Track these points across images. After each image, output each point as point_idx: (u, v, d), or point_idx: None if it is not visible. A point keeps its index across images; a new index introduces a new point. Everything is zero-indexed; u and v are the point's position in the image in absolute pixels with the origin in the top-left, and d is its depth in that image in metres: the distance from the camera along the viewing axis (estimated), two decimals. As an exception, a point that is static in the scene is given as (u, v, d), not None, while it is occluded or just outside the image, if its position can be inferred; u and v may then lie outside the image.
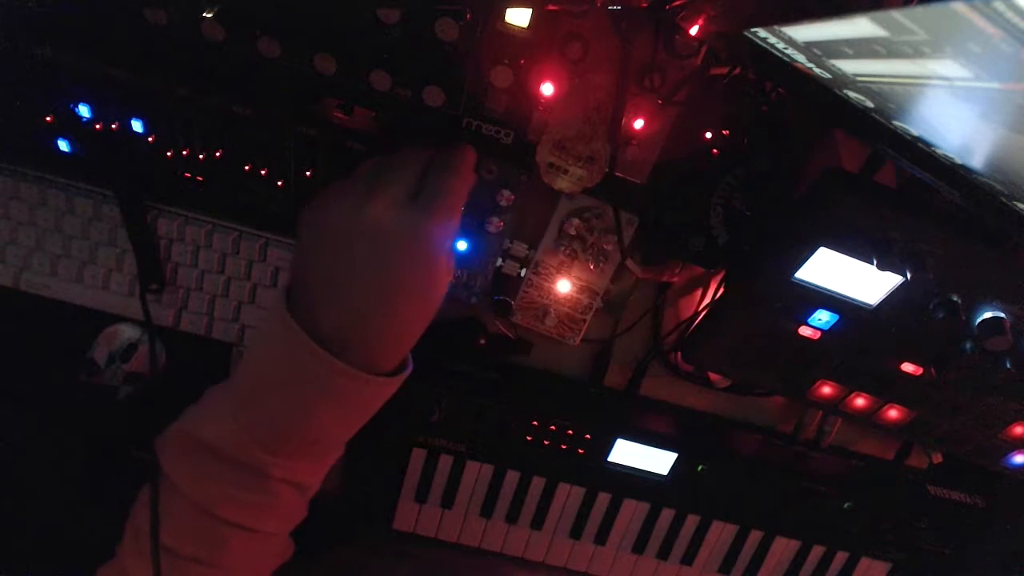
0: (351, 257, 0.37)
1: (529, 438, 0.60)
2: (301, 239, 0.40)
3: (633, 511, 0.64)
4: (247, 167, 0.49)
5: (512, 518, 0.64)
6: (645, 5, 0.41)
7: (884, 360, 0.50)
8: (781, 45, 0.31)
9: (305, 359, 0.37)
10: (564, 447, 0.60)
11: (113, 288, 0.54)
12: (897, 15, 0.20)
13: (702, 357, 0.55)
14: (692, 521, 0.65)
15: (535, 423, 0.59)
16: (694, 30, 0.41)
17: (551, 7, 0.40)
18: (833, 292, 0.46)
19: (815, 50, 0.29)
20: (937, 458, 0.66)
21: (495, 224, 0.51)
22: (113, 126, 0.48)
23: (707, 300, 0.56)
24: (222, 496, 0.39)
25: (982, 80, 0.21)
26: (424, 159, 0.40)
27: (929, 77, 0.23)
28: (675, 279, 0.56)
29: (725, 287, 0.54)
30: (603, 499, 0.63)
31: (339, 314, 0.37)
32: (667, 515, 0.64)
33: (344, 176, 0.40)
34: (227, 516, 0.40)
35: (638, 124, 0.45)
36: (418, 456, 0.61)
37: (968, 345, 0.46)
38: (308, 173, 0.49)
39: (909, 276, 0.42)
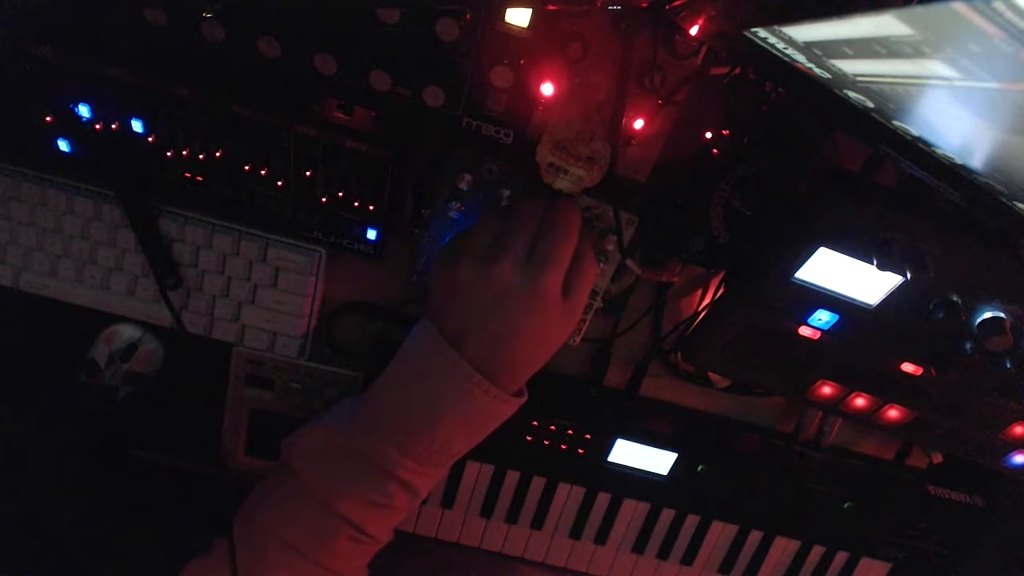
0: (478, 308, 0.43)
1: (529, 438, 0.60)
2: (434, 288, 0.47)
3: (633, 511, 0.64)
4: (247, 167, 0.49)
5: (512, 518, 0.64)
6: (645, 5, 0.41)
7: (884, 360, 0.50)
8: (781, 45, 0.31)
9: (450, 372, 0.43)
10: (564, 447, 0.60)
11: (113, 288, 0.54)
12: (897, 15, 0.20)
13: (702, 357, 0.55)
14: (692, 521, 0.65)
15: (535, 423, 0.59)
16: (694, 30, 0.41)
17: (551, 7, 0.40)
18: (833, 292, 0.46)
19: (815, 50, 0.29)
20: (937, 458, 0.65)
21: (495, 224, 0.51)
22: (113, 126, 0.48)
23: (707, 300, 0.56)
24: (344, 491, 0.44)
25: (982, 80, 0.21)
26: (537, 218, 0.45)
27: (929, 77, 0.23)
28: (675, 279, 0.56)
29: (725, 287, 0.54)
30: (603, 499, 0.63)
31: (467, 348, 0.44)
32: (667, 515, 0.64)
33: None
34: (344, 512, 0.44)
35: (638, 124, 0.45)
36: (418, 456, 0.61)
37: (968, 345, 0.46)
38: (308, 173, 0.49)
39: (909, 276, 0.42)
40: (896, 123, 0.34)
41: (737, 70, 0.44)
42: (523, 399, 0.47)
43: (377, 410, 0.45)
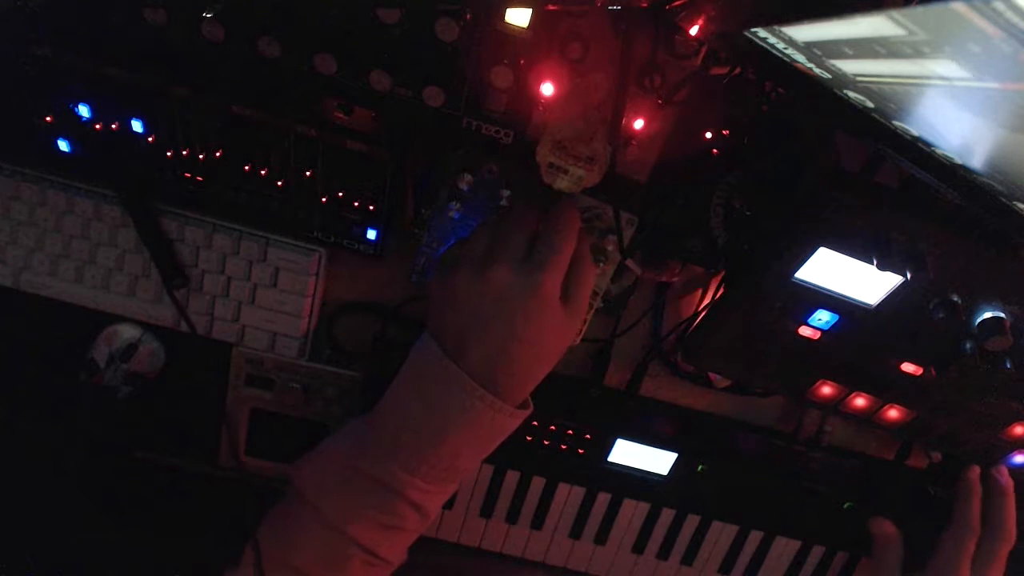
0: (477, 315, 0.43)
1: (529, 438, 0.60)
2: (434, 301, 0.46)
3: (633, 511, 0.64)
4: (247, 167, 0.49)
5: (512, 518, 0.64)
6: (645, 5, 0.41)
7: (884, 360, 0.50)
8: (781, 45, 0.31)
9: (452, 387, 0.43)
10: (564, 447, 0.60)
11: (113, 288, 0.54)
12: (897, 15, 0.20)
13: (702, 357, 0.55)
14: (692, 521, 0.65)
15: (535, 423, 0.59)
16: (694, 30, 0.41)
17: (551, 7, 0.40)
18: (833, 292, 0.46)
19: (815, 50, 0.29)
20: (937, 458, 0.65)
21: (495, 224, 0.51)
22: (113, 126, 0.48)
23: (707, 300, 0.56)
24: (355, 514, 0.44)
25: (982, 80, 0.21)
26: (533, 222, 0.45)
27: (929, 77, 0.23)
28: (675, 279, 0.56)
29: (725, 287, 0.54)
30: (603, 499, 0.63)
31: (469, 360, 0.43)
32: (667, 515, 0.64)
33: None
34: (356, 535, 0.44)
35: (638, 124, 0.45)
36: (418, 456, 0.61)
37: (968, 345, 0.46)
38: (308, 173, 0.49)
39: (909, 276, 0.42)
40: (896, 123, 0.34)
41: (737, 70, 0.44)
42: (528, 411, 0.47)
43: (383, 430, 0.45)
